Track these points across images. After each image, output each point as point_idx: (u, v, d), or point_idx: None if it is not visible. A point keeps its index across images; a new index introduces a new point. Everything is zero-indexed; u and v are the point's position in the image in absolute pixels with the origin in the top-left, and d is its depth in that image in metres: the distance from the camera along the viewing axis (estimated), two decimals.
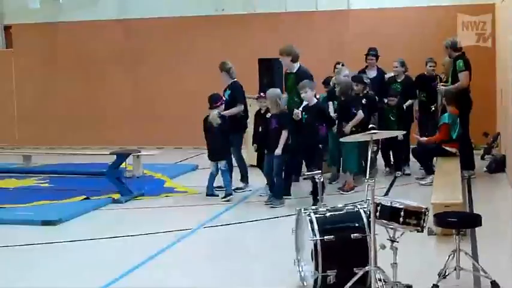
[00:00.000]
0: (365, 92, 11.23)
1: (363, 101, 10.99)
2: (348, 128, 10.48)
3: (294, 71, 10.84)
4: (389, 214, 5.68)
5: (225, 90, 11.18)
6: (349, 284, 5.72)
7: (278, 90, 10.30)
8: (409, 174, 11.86)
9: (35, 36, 17.46)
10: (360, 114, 10.59)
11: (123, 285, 6.76)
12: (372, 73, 12.56)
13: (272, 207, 9.82)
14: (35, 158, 14.05)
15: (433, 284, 6.10)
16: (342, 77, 11.20)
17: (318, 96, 10.79)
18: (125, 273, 7.06)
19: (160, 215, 9.89)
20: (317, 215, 6.05)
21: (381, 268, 5.68)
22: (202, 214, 9.69)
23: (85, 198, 10.52)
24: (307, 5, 15.81)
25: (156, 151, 13.27)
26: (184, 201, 10.55)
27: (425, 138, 11.41)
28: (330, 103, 11.47)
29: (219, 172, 10.63)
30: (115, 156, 10.86)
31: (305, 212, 6.13)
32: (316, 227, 5.94)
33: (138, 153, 11.90)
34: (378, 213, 5.69)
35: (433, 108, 12.48)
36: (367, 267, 5.70)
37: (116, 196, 10.57)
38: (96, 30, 16.91)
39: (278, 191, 9.97)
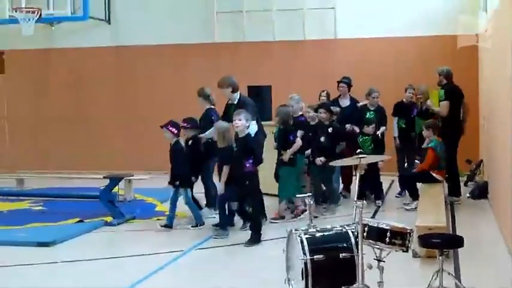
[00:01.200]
0: (332, 120, 11.40)
1: (329, 130, 11.20)
2: (286, 156, 10.70)
3: (235, 102, 10.75)
4: (376, 234, 5.99)
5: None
6: None
7: (226, 124, 10.13)
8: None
9: (27, 61, 17.75)
10: (298, 142, 10.75)
11: None
12: (345, 102, 12.68)
13: (215, 238, 9.80)
14: (28, 181, 14.24)
15: None
16: (281, 107, 11.16)
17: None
18: None
19: (152, 238, 10.11)
20: (307, 235, 6.32)
21: (368, 286, 5.95)
22: (194, 236, 9.94)
23: (79, 221, 10.74)
24: (296, 34, 16.17)
25: (146, 175, 13.50)
26: (174, 224, 10.74)
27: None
28: (298, 132, 11.15)
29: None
30: (108, 180, 11.11)
31: (295, 233, 6.40)
32: (306, 246, 6.20)
33: (130, 177, 12.15)
34: (365, 234, 5.99)
35: (413, 134, 12.58)
36: (355, 285, 5.96)
37: (109, 219, 10.81)
38: (88, 56, 17.22)
39: (222, 223, 9.95)
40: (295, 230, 6.48)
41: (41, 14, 15.23)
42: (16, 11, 15.26)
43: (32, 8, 15.16)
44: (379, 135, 12.12)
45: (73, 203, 12.25)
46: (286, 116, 10.90)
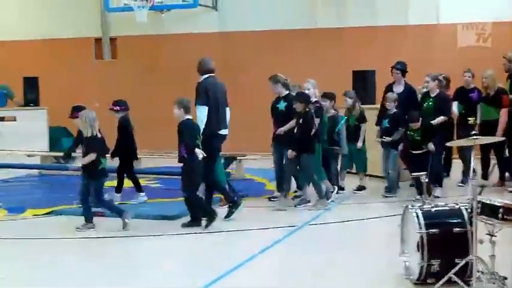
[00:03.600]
0: (306, 109, 10.86)
1: (300, 121, 10.86)
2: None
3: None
4: (489, 211, 6.37)
5: (278, 102, 11.46)
6: (452, 272, 6.44)
7: (90, 113, 9.75)
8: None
9: (137, 47, 18.64)
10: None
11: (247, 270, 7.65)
12: (399, 88, 12.10)
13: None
14: (144, 161, 15.00)
15: None
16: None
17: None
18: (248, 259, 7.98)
19: (266, 214, 10.71)
20: (422, 211, 6.80)
21: (481, 258, 6.38)
22: (305, 214, 10.52)
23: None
24: (399, 19, 16.43)
25: (257, 156, 14.12)
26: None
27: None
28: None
29: None
30: (222, 159, 11.76)
31: (411, 208, 6.89)
32: (422, 221, 6.68)
33: (242, 158, 12.79)
34: (478, 210, 6.41)
35: (471, 121, 12.01)
36: (469, 257, 6.40)
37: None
38: (196, 42, 17.90)
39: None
40: (411, 206, 6.95)
41: (153, 2, 16.09)
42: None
43: None
44: (433, 124, 11.29)
45: None
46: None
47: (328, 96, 11.69)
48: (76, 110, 10.77)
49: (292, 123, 11.02)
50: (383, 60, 15.76)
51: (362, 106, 12.44)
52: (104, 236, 9.32)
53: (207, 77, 10.35)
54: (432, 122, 11.23)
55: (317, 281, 7.35)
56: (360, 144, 12.04)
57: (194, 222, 9.71)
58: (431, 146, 10.88)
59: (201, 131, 9.89)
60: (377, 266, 7.71)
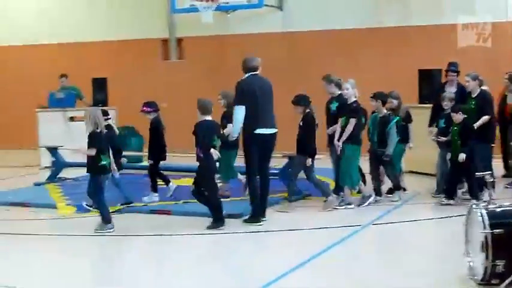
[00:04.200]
0: (307, 111, 11.00)
1: (301, 123, 10.96)
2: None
3: None
4: None
5: (331, 102, 11.49)
6: None
7: (96, 110, 10.07)
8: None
9: (203, 47, 18.86)
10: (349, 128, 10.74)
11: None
12: (452, 89, 11.90)
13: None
14: None
15: None
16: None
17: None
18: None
19: (330, 213, 10.72)
20: (487, 211, 6.74)
21: None
22: (370, 212, 10.50)
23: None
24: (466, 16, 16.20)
25: (320, 156, 14.12)
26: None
27: None
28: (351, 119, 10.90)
29: None
30: (287, 158, 11.82)
31: (476, 208, 6.83)
32: (486, 221, 6.62)
33: None
34: None
35: None
36: None
37: (286, 195, 11.50)
38: (261, 42, 17.96)
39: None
40: (476, 205, 6.90)
41: (219, 3, 16.29)
42: (196, 1, 16.39)
43: None
44: (475, 127, 10.99)
45: None
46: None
47: (378, 96, 11.41)
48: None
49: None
50: (449, 58, 15.64)
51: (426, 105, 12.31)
52: (169, 233, 9.47)
53: (247, 76, 10.19)
54: (475, 124, 10.95)
55: (380, 280, 7.36)
56: (411, 144, 11.85)
57: (217, 223, 9.69)
58: (461, 157, 10.58)
59: (238, 131, 10.01)
60: (441, 266, 7.70)
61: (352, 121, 10.73)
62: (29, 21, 20.61)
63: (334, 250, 8.54)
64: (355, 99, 11.00)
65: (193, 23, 17.92)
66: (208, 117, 9.76)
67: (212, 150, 9.57)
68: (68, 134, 15.96)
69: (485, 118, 11.12)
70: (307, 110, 10.92)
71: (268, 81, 10.34)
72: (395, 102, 11.71)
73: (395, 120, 11.32)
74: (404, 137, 11.66)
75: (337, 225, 9.80)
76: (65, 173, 14.29)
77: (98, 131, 9.65)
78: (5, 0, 21.23)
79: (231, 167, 11.84)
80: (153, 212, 10.80)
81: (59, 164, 14.22)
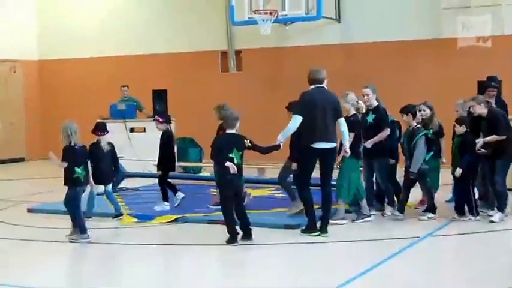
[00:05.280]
0: None
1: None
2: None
3: None
4: None
5: (367, 114, 11.28)
6: None
7: (69, 124, 9.92)
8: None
9: (261, 59, 19.05)
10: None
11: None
12: (492, 100, 11.49)
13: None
14: (268, 171, 15.26)
15: None
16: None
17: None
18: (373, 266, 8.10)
19: (383, 224, 10.79)
20: None
21: None
22: (427, 225, 10.48)
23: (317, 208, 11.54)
24: None
25: None
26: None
27: None
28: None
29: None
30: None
31: None
32: None
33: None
34: None
35: None
36: None
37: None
38: (319, 54, 18.07)
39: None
40: None
41: (277, 15, 16.46)
42: (255, 13, 16.58)
43: (270, 10, 16.42)
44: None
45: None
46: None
47: (406, 109, 11.03)
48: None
49: (382, 134, 11.04)
50: (509, 70, 15.53)
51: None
52: (220, 243, 9.59)
53: (312, 88, 10.06)
54: (485, 139, 10.59)
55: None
56: (444, 159, 11.57)
57: (229, 238, 9.54)
58: (458, 172, 10.50)
59: (285, 136, 9.93)
60: (499, 276, 7.67)
61: (351, 135, 10.42)
62: (94, 36, 21.14)
63: (390, 262, 8.52)
64: (354, 112, 10.83)
65: (252, 35, 18.11)
66: (232, 131, 9.72)
67: (228, 163, 9.43)
68: (129, 144, 16.33)
69: (491, 137, 10.55)
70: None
71: (332, 95, 10.13)
72: (428, 111, 11.28)
73: (421, 134, 10.77)
74: (437, 151, 11.27)
75: (395, 237, 9.83)
76: (126, 183, 14.59)
77: (71, 144, 9.81)
78: (72, 19, 21.68)
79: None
80: (211, 222, 10.94)
81: (120, 174, 14.51)
